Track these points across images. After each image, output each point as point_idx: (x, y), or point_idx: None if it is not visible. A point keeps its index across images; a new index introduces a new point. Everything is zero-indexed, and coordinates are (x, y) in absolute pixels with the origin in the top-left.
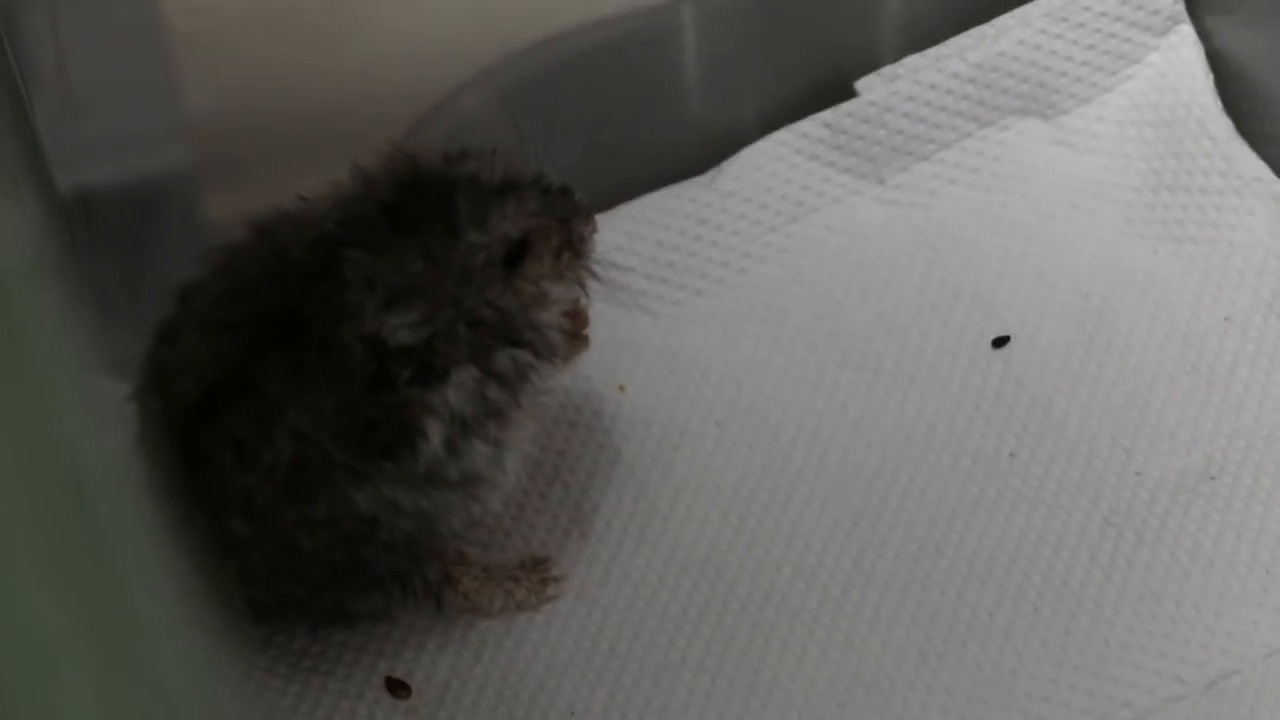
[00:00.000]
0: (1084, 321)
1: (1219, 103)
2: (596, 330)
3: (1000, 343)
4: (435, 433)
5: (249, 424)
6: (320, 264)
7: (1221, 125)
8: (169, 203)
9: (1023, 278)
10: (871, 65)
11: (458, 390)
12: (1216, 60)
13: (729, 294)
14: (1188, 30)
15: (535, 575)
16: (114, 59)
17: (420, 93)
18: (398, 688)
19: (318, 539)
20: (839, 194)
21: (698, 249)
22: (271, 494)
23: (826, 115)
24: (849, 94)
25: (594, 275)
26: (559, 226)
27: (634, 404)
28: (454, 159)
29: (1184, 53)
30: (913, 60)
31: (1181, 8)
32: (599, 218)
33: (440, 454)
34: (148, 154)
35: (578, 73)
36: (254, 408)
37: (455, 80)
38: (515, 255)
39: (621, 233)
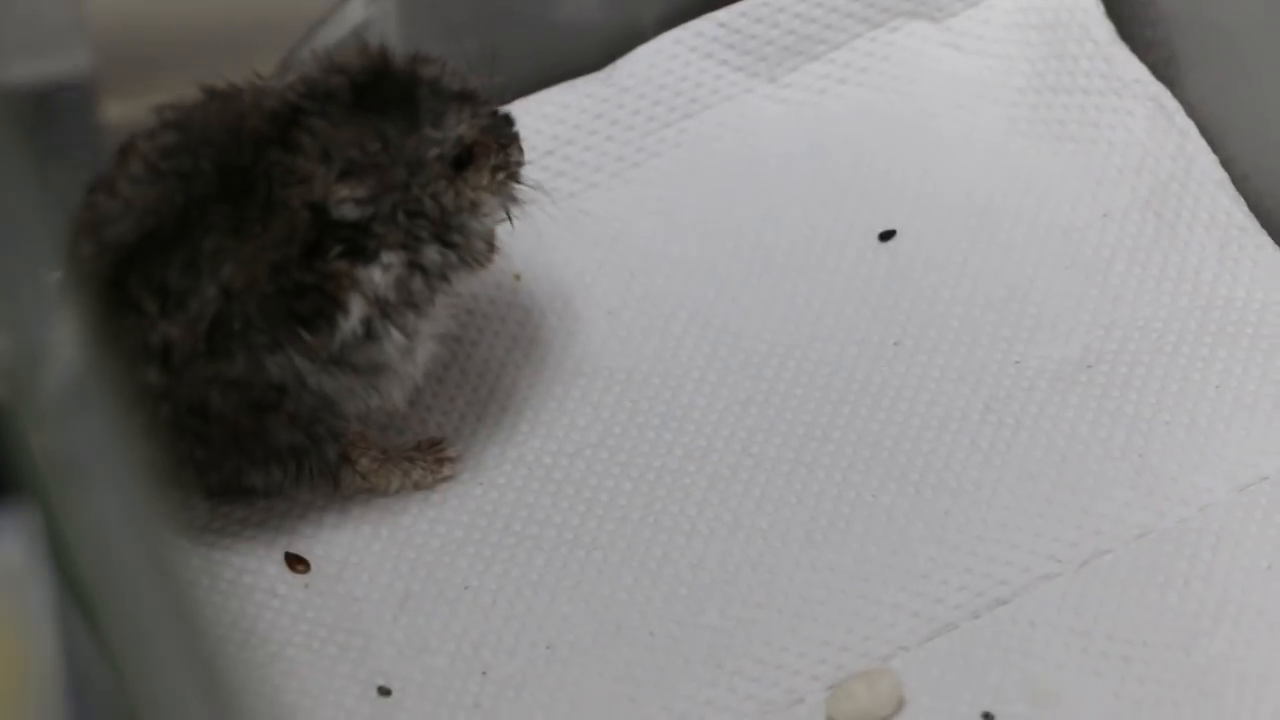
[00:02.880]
0: (968, 217)
1: (1101, 7)
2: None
3: (887, 236)
4: (356, 309)
5: (180, 273)
6: (277, 132)
7: (1103, 29)
8: (68, 106)
9: (909, 175)
10: None
11: (384, 272)
12: None
13: (623, 187)
14: None
15: (431, 455)
16: None
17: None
18: (296, 563)
19: (227, 399)
20: (732, 91)
21: (593, 143)
22: (190, 347)
23: (721, 14)
24: None
25: (518, 201)
26: (499, 148)
27: (530, 293)
28: (419, 60)
29: None
30: None
31: None
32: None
33: (357, 332)
34: (49, 56)
35: None
36: (187, 257)
37: None
38: (463, 160)
39: (520, 126)
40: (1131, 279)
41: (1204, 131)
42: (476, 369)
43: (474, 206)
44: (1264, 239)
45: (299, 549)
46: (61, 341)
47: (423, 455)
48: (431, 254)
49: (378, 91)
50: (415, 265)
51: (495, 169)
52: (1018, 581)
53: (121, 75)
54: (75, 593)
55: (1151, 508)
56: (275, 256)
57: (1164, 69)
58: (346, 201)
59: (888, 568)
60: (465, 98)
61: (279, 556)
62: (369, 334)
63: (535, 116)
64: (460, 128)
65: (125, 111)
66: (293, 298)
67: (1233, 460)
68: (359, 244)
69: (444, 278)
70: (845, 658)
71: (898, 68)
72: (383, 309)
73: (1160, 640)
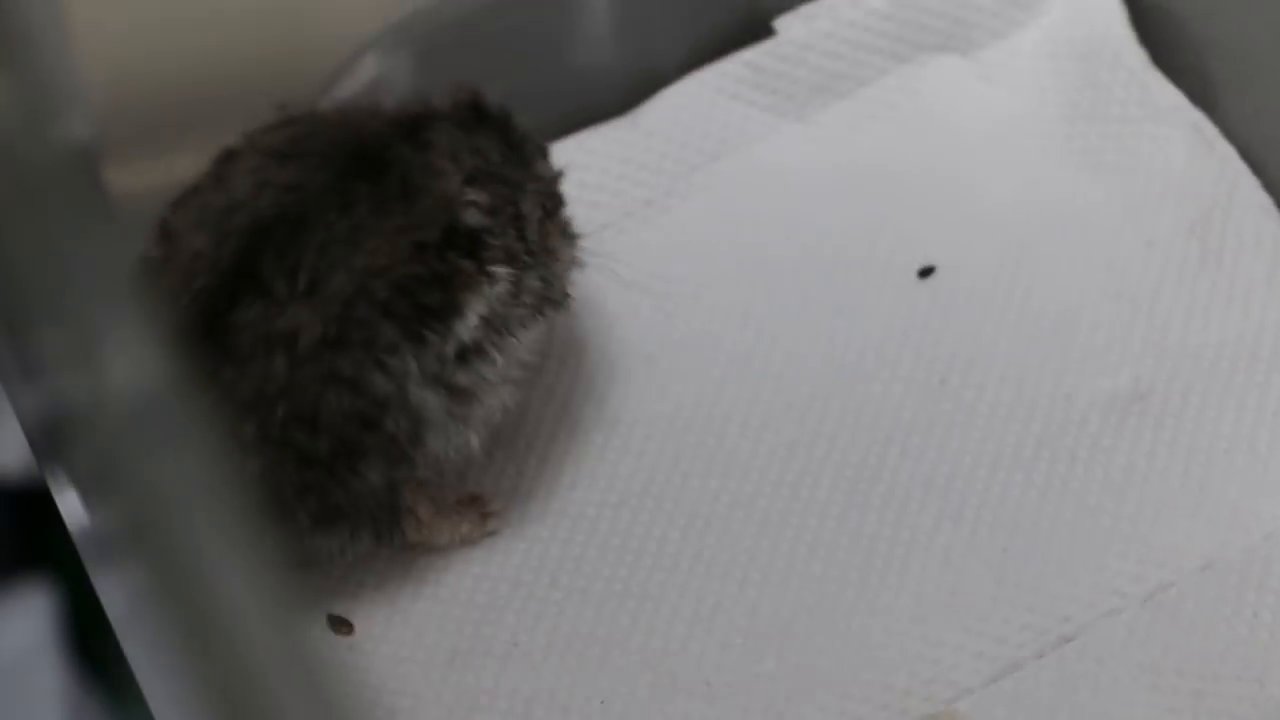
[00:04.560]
0: (1008, 250)
1: (1133, 33)
2: None
3: (926, 273)
4: (474, 314)
5: (315, 251)
6: (404, 134)
7: (1136, 55)
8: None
9: (945, 210)
10: (790, 4)
11: (499, 283)
12: None
13: (654, 231)
14: None
15: (474, 510)
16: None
17: (327, 52)
18: (340, 624)
19: (340, 400)
20: (760, 132)
21: (621, 188)
22: (321, 333)
23: (747, 54)
24: (768, 33)
25: (581, 261)
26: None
27: (562, 342)
28: (508, 110)
29: None
30: None
31: None
32: None
33: (467, 340)
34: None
35: (491, 18)
36: (322, 235)
37: (361, 38)
38: (549, 207)
39: None
40: (1179, 307)
41: (1243, 156)
42: (512, 420)
43: (554, 253)
44: None
45: (341, 610)
46: (138, 370)
47: (467, 509)
48: (533, 281)
49: (485, 115)
50: (519, 288)
51: (562, 226)
52: (1081, 618)
53: (125, 142)
54: (105, 666)
55: (1214, 537)
56: (420, 236)
57: (1199, 95)
58: (471, 206)
59: (947, 608)
60: (544, 152)
61: (321, 619)
62: (476, 349)
63: (561, 163)
64: (552, 173)
65: (129, 179)
66: (426, 285)
67: None
68: (478, 253)
69: (538, 310)
70: (909, 702)
71: (928, 103)
72: (489, 324)
73: (1232, 673)
